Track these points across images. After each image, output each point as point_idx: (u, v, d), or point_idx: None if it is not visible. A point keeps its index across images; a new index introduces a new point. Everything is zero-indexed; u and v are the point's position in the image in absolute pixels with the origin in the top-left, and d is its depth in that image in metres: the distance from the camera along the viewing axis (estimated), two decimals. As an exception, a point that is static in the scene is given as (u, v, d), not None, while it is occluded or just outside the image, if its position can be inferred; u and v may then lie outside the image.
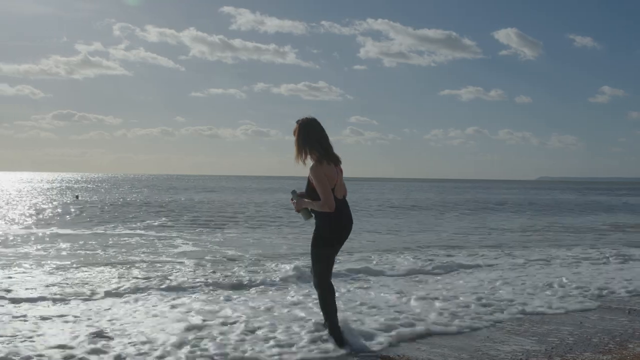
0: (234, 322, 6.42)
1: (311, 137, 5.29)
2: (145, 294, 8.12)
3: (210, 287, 8.70)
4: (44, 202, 35.30)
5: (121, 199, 38.78)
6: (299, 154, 5.33)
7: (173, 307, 7.28)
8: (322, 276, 5.43)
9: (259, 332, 6.04)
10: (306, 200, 5.36)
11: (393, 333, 6.04)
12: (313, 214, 5.40)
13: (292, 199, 5.52)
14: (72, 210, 27.54)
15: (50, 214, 24.90)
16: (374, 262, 11.46)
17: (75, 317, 6.67)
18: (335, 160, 5.37)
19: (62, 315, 6.74)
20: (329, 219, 5.28)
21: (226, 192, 53.27)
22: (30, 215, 23.93)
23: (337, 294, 5.84)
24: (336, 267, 7.81)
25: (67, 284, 8.69)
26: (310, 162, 5.34)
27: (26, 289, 8.24)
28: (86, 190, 58.39)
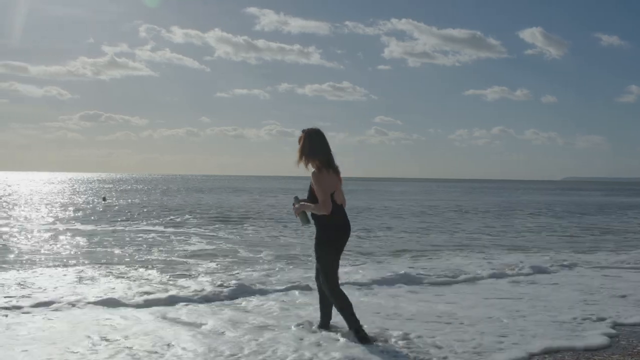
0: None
1: (315, 146, 5.67)
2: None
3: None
4: (70, 201, 35.77)
5: (157, 201, 39.00)
6: (300, 160, 5.71)
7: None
8: (332, 282, 5.68)
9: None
10: (306, 203, 5.67)
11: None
12: (311, 222, 5.71)
13: (293, 204, 5.80)
14: (100, 209, 27.87)
15: (77, 214, 25.21)
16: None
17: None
18: (336, 170, 5.71)
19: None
20: (332, 223, 5.60)
21: (262, 193, 53.49)
22: (59, 214, 24.27)
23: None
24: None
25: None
26: (311, 169, 5.70)
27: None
28: (115, 191, 58.92)
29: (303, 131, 5.80)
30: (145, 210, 28.44)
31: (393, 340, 5.80)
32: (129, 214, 25.74)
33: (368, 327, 5.92)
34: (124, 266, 10.65)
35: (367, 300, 7.85)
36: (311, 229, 5.87)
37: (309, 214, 5.73)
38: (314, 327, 6.09)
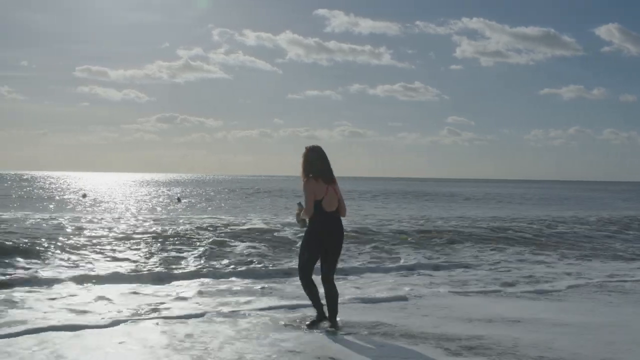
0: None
1: (309, 161, 6.53)
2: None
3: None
4: (149, 200, 35.86)
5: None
6: (303, 174, 6.55)
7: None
8: (303, 270, 6.57)
9: None
10: (301, 210, 6.57)
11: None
12: (307, 223, 6.56)
13: (297, 209, 6.65)
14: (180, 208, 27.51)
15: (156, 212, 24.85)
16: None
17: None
18: (327, 180, 6.52)
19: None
20: (314, 226, 6.46)
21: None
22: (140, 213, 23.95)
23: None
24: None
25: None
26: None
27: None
28: (190, 194, 59.48)
29: (306, 147, 6.62)
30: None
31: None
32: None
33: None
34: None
35: None
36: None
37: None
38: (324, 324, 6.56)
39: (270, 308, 7.55)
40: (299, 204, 6.66)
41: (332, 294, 6.56)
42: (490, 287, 9.45)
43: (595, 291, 9.18)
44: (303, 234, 6.66)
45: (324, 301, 6.63)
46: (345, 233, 6.78)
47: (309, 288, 6.61)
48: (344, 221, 6.74)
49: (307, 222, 6.57)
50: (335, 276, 6.71)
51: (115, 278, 9.58)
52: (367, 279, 10.19)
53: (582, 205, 39.19)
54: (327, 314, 6.60)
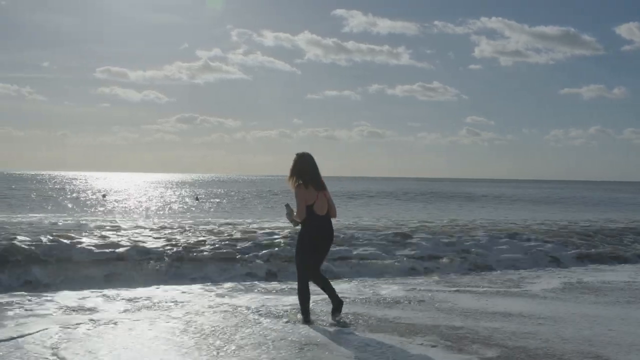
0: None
1: (299, 168, 6.96)
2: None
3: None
4: (170, 200, 36.42)
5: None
6: (291, 178, 6.99)
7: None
8: (302, 272, 6.95)
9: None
10: (292, 211, 7.02)
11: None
12: (300, 223, 7.00)
13: (286, 212, 7.11)
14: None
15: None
16: None
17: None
18: (318, 187, 6.94)
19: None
20: (308, 229, 6.91)
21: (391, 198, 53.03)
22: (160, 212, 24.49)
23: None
24: None
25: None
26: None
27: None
28: (210, 194, 59.99)
29: (296, 154, 7.05)
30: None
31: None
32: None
33: None
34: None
35: None
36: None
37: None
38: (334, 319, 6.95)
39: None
40: (287, 205, 7.15)
41: (325, 282, 7.03)
42: None
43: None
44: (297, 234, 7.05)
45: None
46: None
47: (304, 292, 7.00)
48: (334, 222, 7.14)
49: (299, 221, 7.01)
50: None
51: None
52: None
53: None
54: (332, 305, 7.00)
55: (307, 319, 6.93)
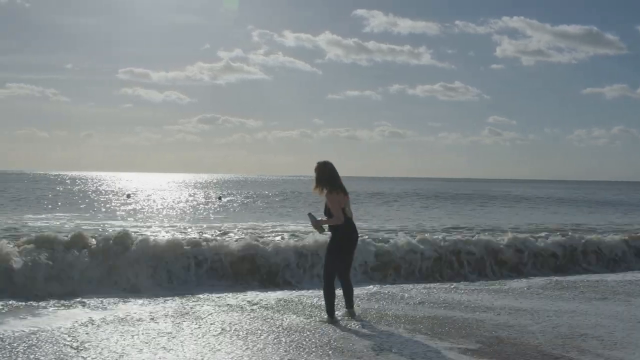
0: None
1: (326, 175, 7.38)
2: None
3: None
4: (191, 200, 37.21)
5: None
6: (318, 186, 7.38)
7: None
8: (328, 275, 7.37)
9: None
10: (323, 219, 7.38)
11: None
12: (326, 230, 7.39)
13: (310, 220, 7.35)
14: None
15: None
16: None
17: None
18: (343, 191, 7.37)
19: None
20: (343, 231, 7.27)
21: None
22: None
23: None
24: None
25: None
26: (325, 192, 7.37)
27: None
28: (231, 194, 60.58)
29: (318, 162, 7.44)
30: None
31: None
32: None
33: None
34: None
35: None
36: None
37: (325, 226, 7.41)
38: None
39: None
40: (310, 214, 7.49)
41: (349, 288, 7.57)
42: None
43: None
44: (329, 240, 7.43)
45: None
46: None
47: (330, 293, 7.40)
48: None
49: (325, 228, 7.40)
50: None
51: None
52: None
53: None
54: (345, 306, 7.62)
55: (332, 319, 7.32)
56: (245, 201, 39.69)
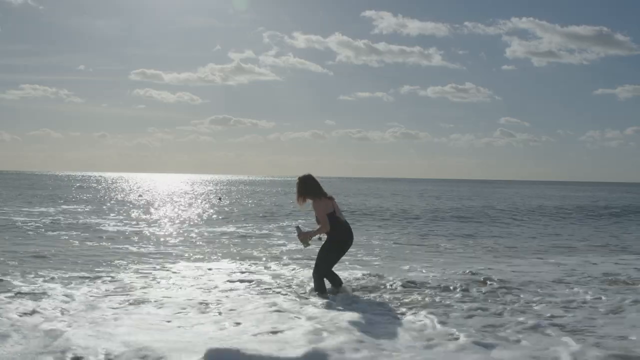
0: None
1: (307, 187, 7.80)
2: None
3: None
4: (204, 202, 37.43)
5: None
6: (299, 198, 7.82)
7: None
8: (320, 272, 7.83)
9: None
10: (310, 231, 7.78)
11: None
12: (310, 244, 7.76)
13: (297, 233, 7.70)
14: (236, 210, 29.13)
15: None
16: None
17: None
18: (330, 198, 7.76)
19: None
20: (339, 233, 7.67)
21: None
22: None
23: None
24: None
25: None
26: (309, 201, 7.83)
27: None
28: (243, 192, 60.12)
29: (299, 177, 7.85)
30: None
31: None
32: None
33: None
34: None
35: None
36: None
37: (315, 237, 7.78)
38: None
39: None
40: (297, 227, 7.92)
41: (336, 278, 8.18)
42: None
43: None
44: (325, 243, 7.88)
45: None
46: None
47: (320, 284, 7.94)
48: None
49: (309, 242, 7.78)
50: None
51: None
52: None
53: None
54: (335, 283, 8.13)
55: (323, 291, 7.87)
56: (245, 201, 39.73)
